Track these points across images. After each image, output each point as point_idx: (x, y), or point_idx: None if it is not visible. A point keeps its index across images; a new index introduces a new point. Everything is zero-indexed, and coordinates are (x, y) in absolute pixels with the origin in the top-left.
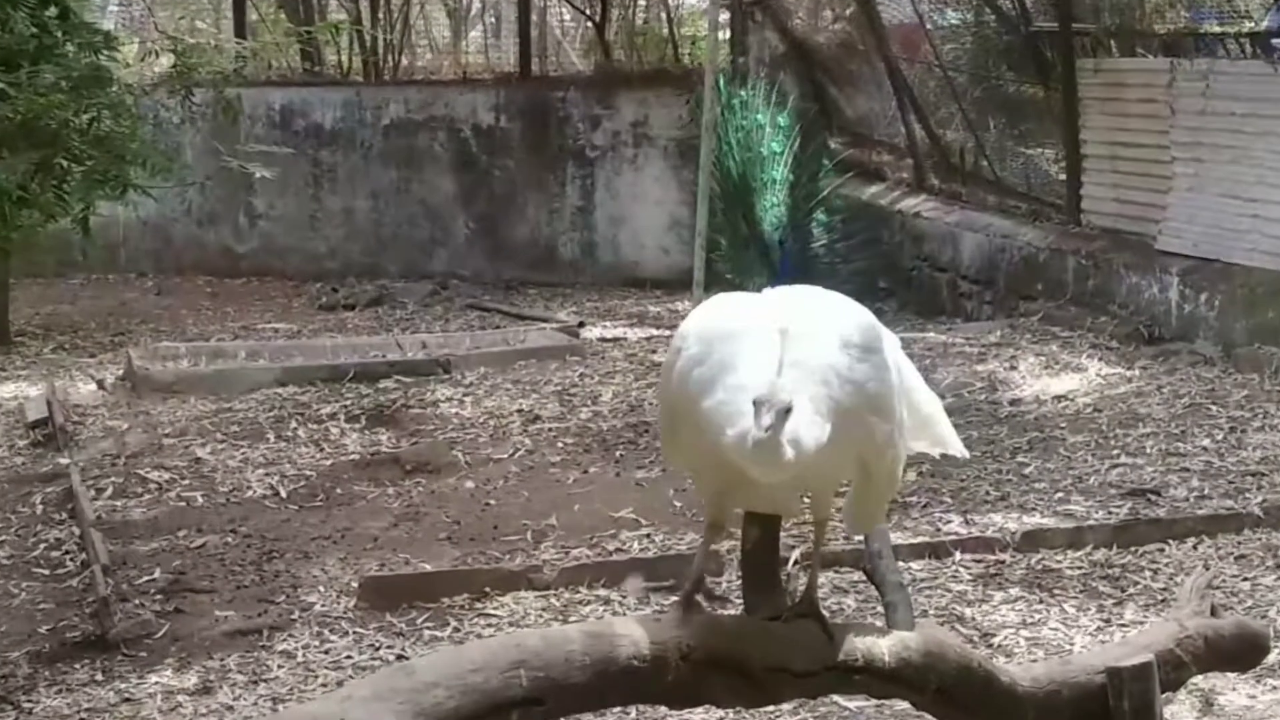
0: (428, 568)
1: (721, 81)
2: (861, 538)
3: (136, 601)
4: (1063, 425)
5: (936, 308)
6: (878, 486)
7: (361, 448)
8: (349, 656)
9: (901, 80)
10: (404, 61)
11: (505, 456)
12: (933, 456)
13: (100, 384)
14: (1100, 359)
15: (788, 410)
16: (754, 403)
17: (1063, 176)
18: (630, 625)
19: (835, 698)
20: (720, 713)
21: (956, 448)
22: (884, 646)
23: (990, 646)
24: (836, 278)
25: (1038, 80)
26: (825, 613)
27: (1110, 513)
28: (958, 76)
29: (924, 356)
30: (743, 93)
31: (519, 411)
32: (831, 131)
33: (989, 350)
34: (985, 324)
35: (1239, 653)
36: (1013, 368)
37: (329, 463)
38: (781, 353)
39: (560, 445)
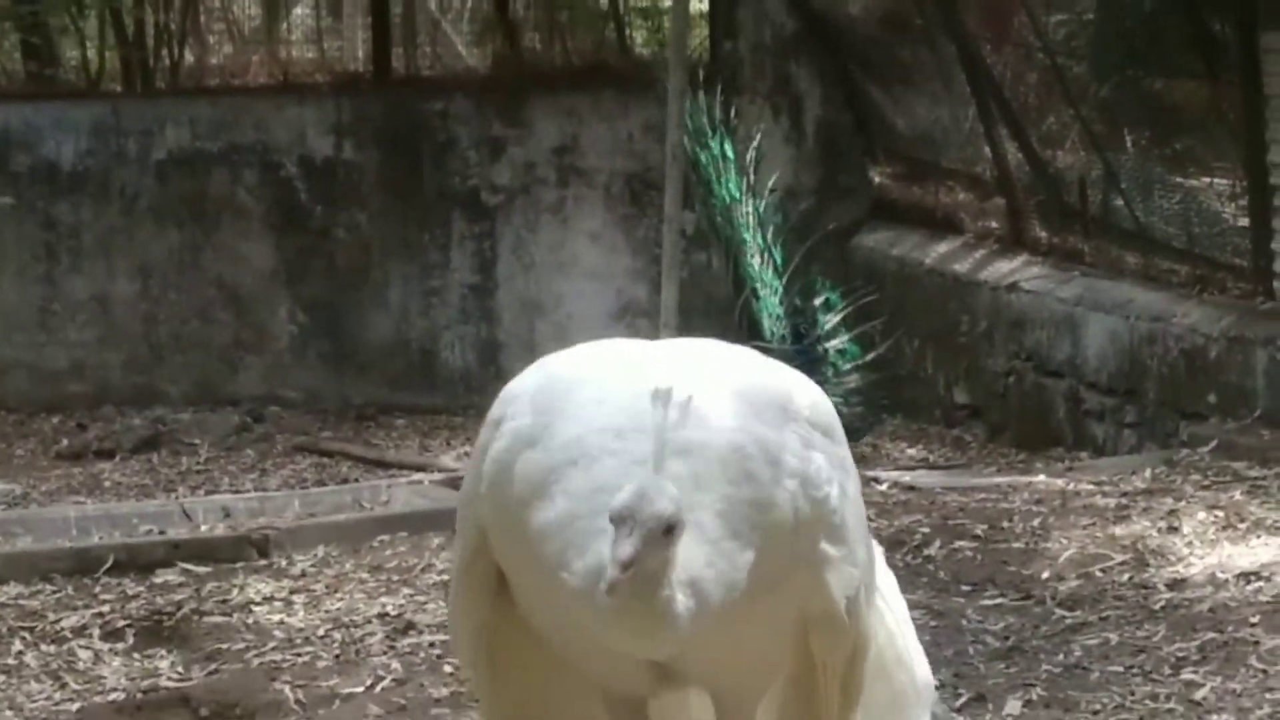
0: None
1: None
2: None
3: None
4: (1254, 621)
5: (1048, 435)
6: (844, 678)
7: (129, 681)
8: None
9: (984, 73)
10: (188, 59)
11: (360, 690)
12: None
13: None
14: None
15: (670, 529)
16: (611, 519)
17: (1243, 221)
18: None
19: None
20: None
21: None
22: None
23: None
24: (881, 390)
25: (1201, 69)
26: None
27: None
28: (1073, 66)
29: (1031, 514)
30: (699, 104)
31: (381, 616)
32: (873, 156)
33: (1134, 502)
34: (1126, 459)
35: None
36: (1172, 529)
37: (76, 706)
38: (662, 424)
39: (449, 670)
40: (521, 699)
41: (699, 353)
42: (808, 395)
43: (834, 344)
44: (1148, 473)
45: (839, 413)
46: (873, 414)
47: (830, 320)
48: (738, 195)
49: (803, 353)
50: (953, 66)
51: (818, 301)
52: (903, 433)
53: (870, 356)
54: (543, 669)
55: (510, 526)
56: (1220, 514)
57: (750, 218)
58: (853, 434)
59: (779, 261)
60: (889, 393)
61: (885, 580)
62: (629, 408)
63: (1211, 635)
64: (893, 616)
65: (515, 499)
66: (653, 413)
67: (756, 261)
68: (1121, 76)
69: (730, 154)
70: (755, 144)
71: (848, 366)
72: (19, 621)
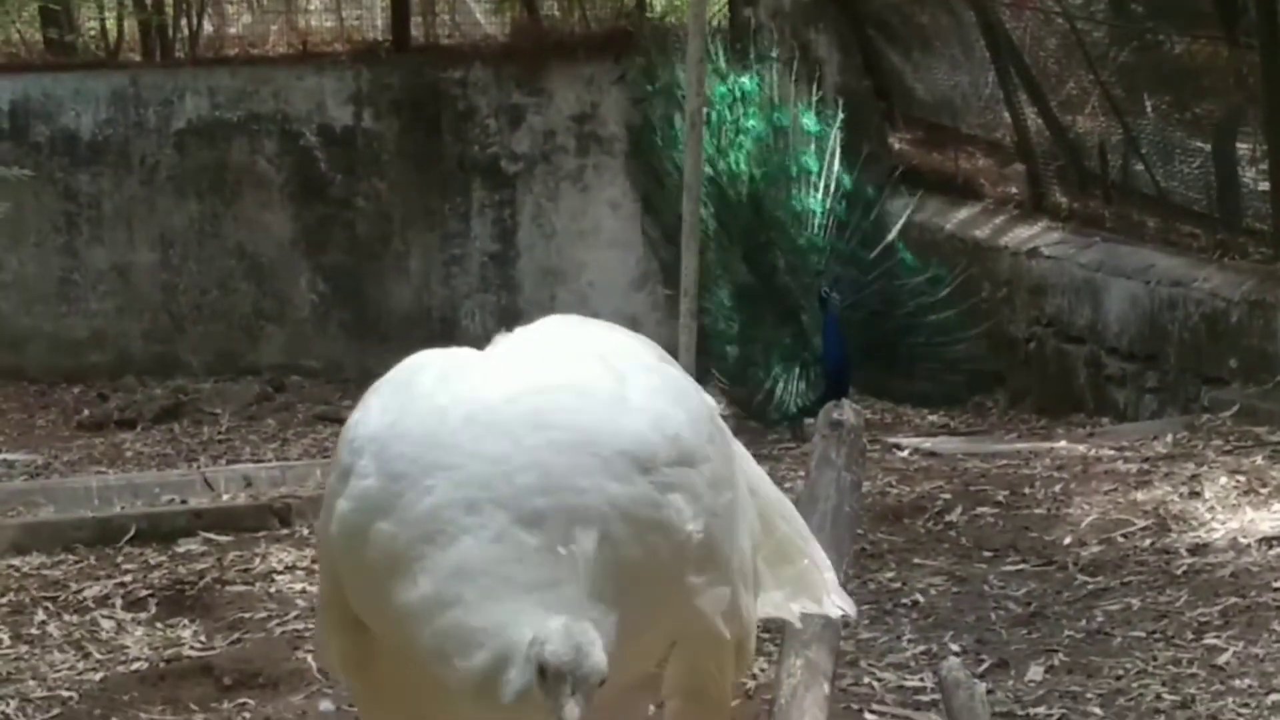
0: None
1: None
2: None
3: None
4: (1276, 586)
5: (1069, 400)
6: (717, 687)
7: (151, 650)
8: None
9: (1004, 38)
10: (207, 28)
11: None
12: (812, 618)
13: None
14: None
15: (602, 682)
16: (543, 671)
17: (1263, 185)
18: None
19: None
20: None
21: (835, 602)
22: None
23: None
24: (922, 360)
25: (1219, 32)
26: None
27: None
28: (1092, 30)
29: (1052, 480)
30: (748, 74)
31: None
32: (893, 123)
33: (1155, 467)
34: (1148, 425)
35: None
36: (1194, 494)
37: (99, 676)
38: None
39: None
40: (396, 704)
41: (545, 384)
42: (661, 431)
43: (937, 316)
44: (1169, 438)
45: (943, 380)
46: (977, 384)
47: (940, 293)
48: (815, 168)
49: (833, 314)
50: (972, 32)
51: (924, 276)
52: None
53: (976, 331)
54: (413, 683)
55: (371, 591)
56: (1242, 479)
57: (832, 191)
58: (956, 401)
59: (865, 233)
60: (960, 366)
61: (749, 463)
62: (479, 475)
63: (1234, 600)
64: (763, 491)
65: (372, 567)
66: (504, 483)
67: (822, 229)
68: (1140, 40)
69: (813, 128)
70: (840, 115)
71: (949, 338)
72: (42, 591)
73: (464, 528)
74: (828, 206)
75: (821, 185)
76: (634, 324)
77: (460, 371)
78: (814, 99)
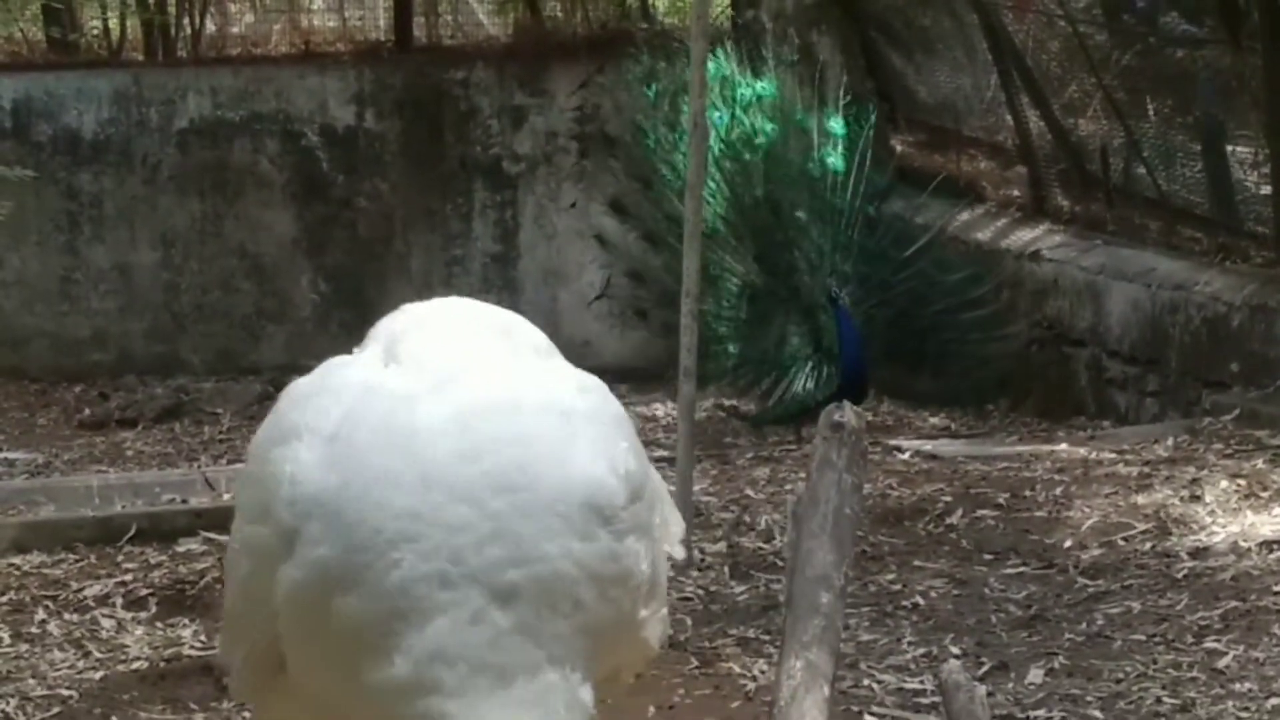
0: None
1: (723, 53)
2: None
3: None
4: (1276, 590)
5: (1070, 403)
6: (627, 676)
7: (152, 649)
8: None
9: (1006, 41)
10: (209, 28)
11: None
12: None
13: None
14: None
15: None
16: None
17: (1265, 189)
18: None
19: None
20: None
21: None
22: None
23: None
24: (954, 357)
25: (1222, 36)
26: None
27: None
28: (1095, 34)
29: (1053, 483)
30: (762, 79)
31: None
32: (895, 124)
33: (1156, 470)
34: (1149, 428)
35: None
36: (1195, 498)
37: (99, 675)
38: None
39: None
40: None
41: (497, 434)
42: (615, 472)
43: (972, 314)
44: (1170, 441)
45: (972, 377)
46: (1000, 388)
47: (982, 289)
48: (841, 168)
49: (843, 312)
50: (974, 34)
51: (960, 274)
52: (925, 401)
53: (1015, 328)
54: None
55: (329, 658)
56: (1242, 482)
57: (859, 192)
58: (983, 400)
59: (898, 234)
60: (983, 367)
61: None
62: (446, 546)
63: (1234, 604)
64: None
65: (336, 637)
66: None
67: (848, 231)
68: (1143, 44)
69: (840, 130)
70: (872, 119)
71: (985, 335)
72: (42, 590)
73: (439, 605)
74: (856, 206)
75: (850, 186)
76: (634, 327)
77: (397, 419)
78: (841, 100)
